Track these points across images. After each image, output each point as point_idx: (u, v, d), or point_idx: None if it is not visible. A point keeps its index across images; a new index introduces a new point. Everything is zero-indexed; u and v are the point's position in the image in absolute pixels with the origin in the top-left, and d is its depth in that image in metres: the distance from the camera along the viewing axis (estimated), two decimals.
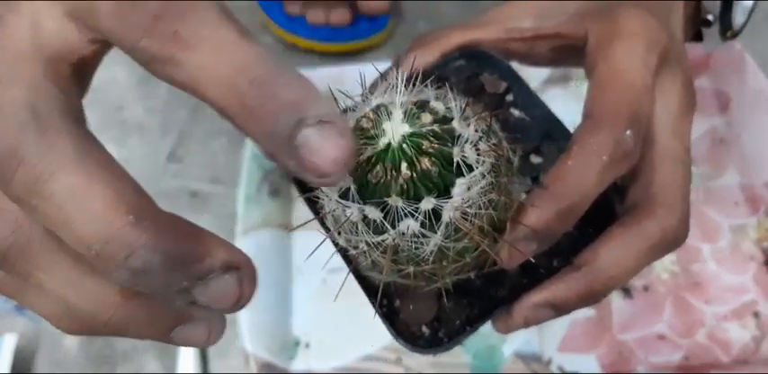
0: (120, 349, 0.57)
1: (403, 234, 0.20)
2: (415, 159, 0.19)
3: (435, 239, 0.20)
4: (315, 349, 0.53)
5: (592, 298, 0.25)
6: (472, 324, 0.26)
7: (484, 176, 0.20)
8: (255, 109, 0.17)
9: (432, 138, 0.20)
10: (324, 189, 0.21)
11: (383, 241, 0.20)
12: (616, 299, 0.54)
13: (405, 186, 0.19)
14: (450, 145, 0.20)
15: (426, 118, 0.20)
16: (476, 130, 0.21)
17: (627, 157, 0.24)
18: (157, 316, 0.20)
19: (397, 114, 0.20)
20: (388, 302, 0.28)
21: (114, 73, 0.69)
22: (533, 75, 0.58)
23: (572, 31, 0.28)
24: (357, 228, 0.20)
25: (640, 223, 0.25)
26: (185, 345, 0.20)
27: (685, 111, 0.27)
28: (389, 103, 0.20)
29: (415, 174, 0.19)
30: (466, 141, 0.20)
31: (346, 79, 0.64)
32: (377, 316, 0.27)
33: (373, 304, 0.26)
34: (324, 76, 0.65)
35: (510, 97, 0.29)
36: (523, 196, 0.25)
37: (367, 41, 0.71)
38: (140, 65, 0.17)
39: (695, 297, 0.53)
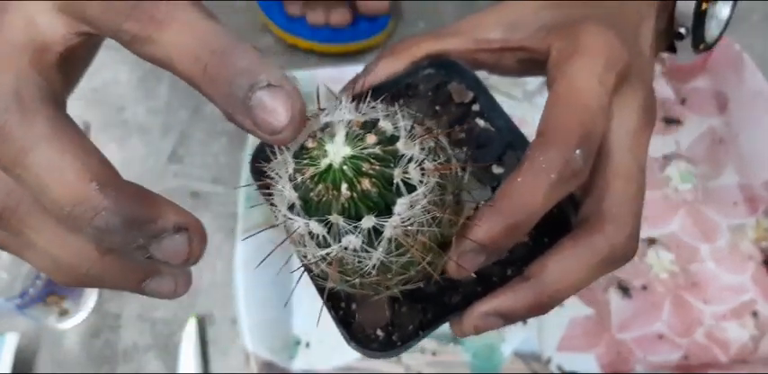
0: (121, 348, 0.57)
1: (346, 248, 0.21)
2: (355, 180, 0.20)
3: (377, 254, 0.21)
4: (315, 348, 0.53)
5: (539, 309, 0.25)
6: (425, 329, 0.27)
7: (426, 195, 0.21)
8: (215, 75, 0.19)
9: (372, 160, 0.20)
10: (275, 202, 0.22)
11: (328, 254, 0.21)
12: (615, 299, 0.54)
13: (346, 205, 0.20)
14: (392, 165, 0.21)
15: (371, 139, 0.21)
16: (423, 149, 0.22)
17: (575, 176, 0.24)
18: (128, 270, 0.23)
19: (340, 136, 0.21)
20: (346, 305, 0.28)
21: (116, 74, 0.69)
22: (531, 79, 0.58)
23: (536, 46, 0.28)
24: (304, 241, 0.22)
25: (589, 238, 0.25)
26: (155, 296, 0.24)
27: (642, 128, 0.27)
28: (338, 122, 0.21)
29: (355, 194, 0.20)
30: (410, 161, 0.21)
31: (347, 79, 0.64)
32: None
33: (328, 308, 0.27)
34: (324, 77, 0.66)
35: (476, 107, 0.30)
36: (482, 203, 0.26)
37: (367, 42, 0.71)
38: (123, 46, 0.21)
39: (694, 296, 0.54)
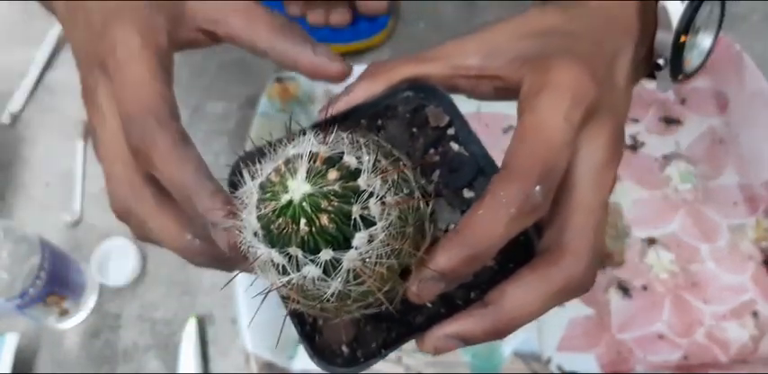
0: (121, 348, 0.58)
1: (305, 277, 0.22)
2: (313, 216, 0.21)
3: (335, 284, 0.22)
4: None
5: (496, 334, 0.26)
6: (388, 347, 0.28)
7: (385, 229, 0.22)
8: (185, 209, 0.28)
9: (332, 197, 0.21)
10: (241, 227, 0.23)
11: (289, 281, 0.23)
12: (615, 299, 0.54)
13: (305, 238, 0.21)
14: (352, 201, 0.22)
15: (332, 175, 0.22)
16: (385, 182, 0.23)
17: (534, 211, 0.25)
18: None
19: (301, 173, 0.22)
20: (313, 321, 0.29)
21: None
22: None
23: (510, 76, 0.29)
24: (267, 267, 0.23)
25: (547, 269, 0.26)
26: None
27: (608, 162, 0.28)
28: (300, 157, 0.22)
29: (313, 229, 0.21)
30: (371, 196, 0.22)
31: (347, 79, 0.64)
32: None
33: (294, 324, 0.29)
34: None
35: (451, 131, 0.30)
36: (453, 227, 0.27)
37: (367, 42, 0.71)
38: None
39: (694, 296, 0.54)
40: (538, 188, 0.24)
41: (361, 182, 0.22)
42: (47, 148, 0.70)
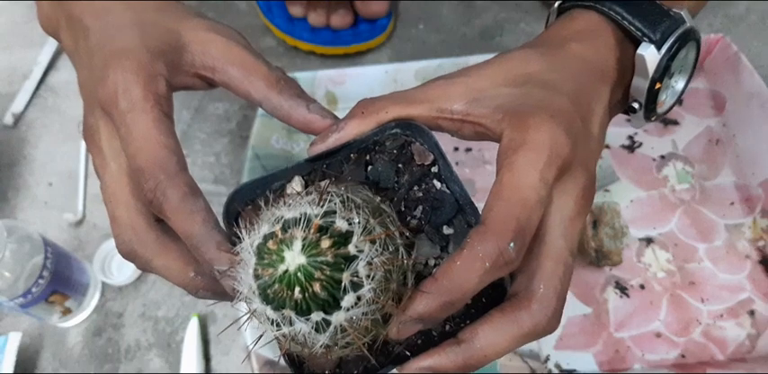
0: (124, 347, 0.58)
1: (296, 331, 0.25)
2: (307, 285, 0.24)
3: (323, 339, 0.25)
4: None
5: (467, 369, 0.29)
6: None
7: (372, 290, 0.25)
8: (197, 257, 0.30)
9: (324, 267, 0.24)
10: (241, 281, 0.26)
11: (281, 333, 0.25)
12: (613, 298, 0.54)
13: (298, 302, 0.24)
14: (343, 267, 0.24)
15: (325, 243, 0.24)
16: (373, 243, 0.25)
17: (507, 265, 0.27)
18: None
19: (297, 245, 0.24)
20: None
21: None
22: None
23: (491, 126, 0.31)
24: (261, 318, 0.26)
25: (516, 313, 0.29)
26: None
27: (577, 215, 0.30)
28: (297, 228, 0.25)
29: (306, 295, 0.24)
30: (359, 260, 0.25)
31: (347, 80, 0.65)
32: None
33: (283, 356, 0.30)
34: (325, 79, 0.66)
35: (435, 169, 0.32)
36: (432, 262, 0.30)
37: (367, 44, 0.71)
38: None
39: (691, 295, 0.54)
40: (512, 244, 0.27)
41: (351, 247, 0.25)
42: (49, 149, 0.71)
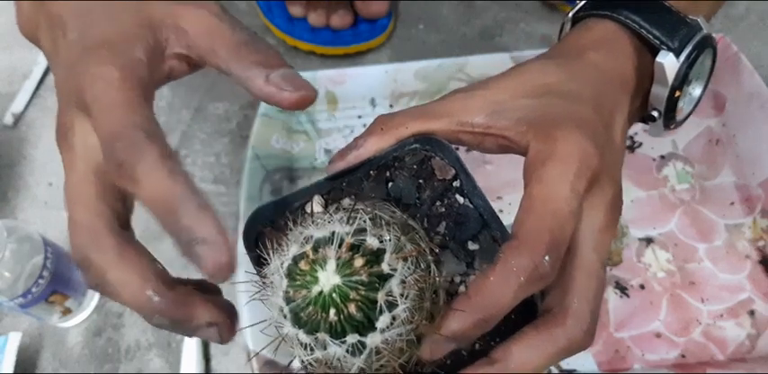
0: (124, 347, 0.58)
1: (330, 355, 0.24)
2: (342, 306, 0.23)
3: (358, 362, 0.24)
4: None
5: None
6: None
7: (406, 310, 0.24)
8: (169, 228, 0.25)
9: (359, 287, 0.23)
10: (268, 302, 0.26)
11: (314, 358, 0.25)
12: (613, 297, 0.54)
13: (333, 324, 0.23)
14: (378, 286, 0.24)
15: (358, 262, 0.24)
16: (405, 260, 0.24)
17: (542, 279, 0.26)
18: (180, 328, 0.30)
19: (331, 265, 0.23)
20: None
21: None
22: None
23: (516, 138, 0.30)
24: (293, 343, 0.25)
25: (551, 330, 0.28)
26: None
27: (608, 226, 0.30)
28: (329, 240, 0.24)
29: (341, 317, 0.23)
30: (393, 279, 0.24)
31: (347, 80, 0.65)
32: None
33: None
34: (325, 79, 0.66)
35: (457, 183, 0.31)
36: (458, 279, 0.30)
37: (367, 44, 0.71)
38: None
39: (691, 295, 0.54)
40: (546, 257, 0.26)
41: (385, 266, 0.24)
42: (50, 149, 0.71)
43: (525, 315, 0.30)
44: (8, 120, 0.72)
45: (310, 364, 0.25)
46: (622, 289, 0.55)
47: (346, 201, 0.31)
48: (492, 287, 0.26)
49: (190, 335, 0.29)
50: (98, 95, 0.28)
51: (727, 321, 0.53)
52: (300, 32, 0.71)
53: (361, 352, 0.24)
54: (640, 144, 0.61)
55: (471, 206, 0.31)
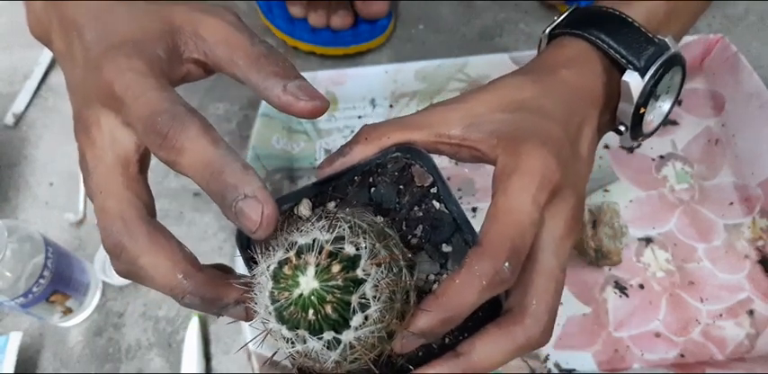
0: (125, 347, 0.58)
1: (309, 349, 0.27)
2: (320, 307, 0.26)
3: (334, 355, 0.27)
4: None
5: None
6: None
7: (378, 310, 0.27)
8: (214, 189, 0.27)
9: (335, 290, 0.26)
10: (255, 299, 0.28)
11: (295, 350, 0.28)
12: (612, 297, 0.54)
13: (311, 322, 0.26)
14: (352, 289, 0.26)
15: (335, 268, 0.26)
16: (379, 266, 0.27)
17: (502, 283, 0.29)
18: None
19: (311, 270, 0.26)
20: None
21: None
22: None
23: (486, 151, 0.33)
24: (276, 336, 0.28)
25: (511, 328, 0.31)
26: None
27: (569, 233, 0.32)
28: (310, 247, 0.27)
29: (319, 316, 0.26)
30: (367, 283, 0.27)
31: (347, 80, 0.65)
32: None
33: (297, 372, 0.32)
34: (325, 79, 0.66)
35: (434, 190, 0.34)
36: (432, 277, 0.32)
37: (367, 45, 0.71)
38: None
39: (690, 295, 0.54)
40: (506, 264, 0.29)
41: (359, 271, 0.27)
42: (50, 149, 0.71)
43: (491, 312, 0.32)
44: (9, 120, 0.72)
45: (292, 356, 0.28)
46: (622, 288, 0.55)
47: (332, 205, 0.34)
48: (457, 289, 0.29)
49: (218, 314, 0.31)
50: (130, 84, 0.29)
51: (726, 321, 0.53)
52: (301, 33, 0.71)
53: (336, 347, 0.27)
54: (639, 144, 0.61)
55: (446, 211, 0.33)
